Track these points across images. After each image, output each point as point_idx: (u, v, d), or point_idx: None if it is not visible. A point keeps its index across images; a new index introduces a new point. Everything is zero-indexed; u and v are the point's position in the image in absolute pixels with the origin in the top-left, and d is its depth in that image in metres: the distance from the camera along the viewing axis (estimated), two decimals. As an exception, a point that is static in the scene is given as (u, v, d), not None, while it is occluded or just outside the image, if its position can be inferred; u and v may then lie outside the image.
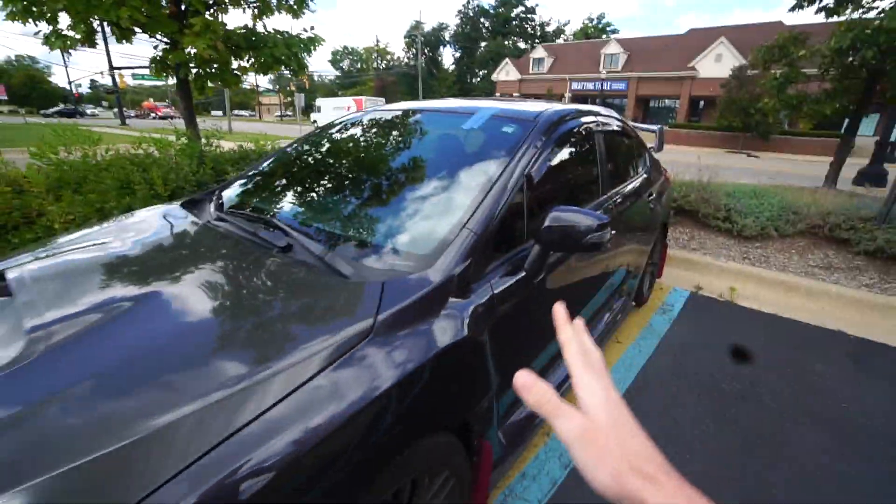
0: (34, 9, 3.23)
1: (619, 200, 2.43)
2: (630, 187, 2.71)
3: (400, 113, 2.22)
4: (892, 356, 2.88)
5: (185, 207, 1.94)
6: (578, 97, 36.68)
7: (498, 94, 42.79)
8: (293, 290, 1.17)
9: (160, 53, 4.35)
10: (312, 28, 4.32)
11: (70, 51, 3.71)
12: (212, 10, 4.12)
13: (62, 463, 0.70)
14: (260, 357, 0.92)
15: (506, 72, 41.76)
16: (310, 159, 2.13)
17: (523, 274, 1.47)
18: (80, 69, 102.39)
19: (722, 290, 3.75)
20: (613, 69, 33.76)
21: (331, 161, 2.06)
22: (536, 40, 58.80)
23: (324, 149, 2.19)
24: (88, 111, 55.09)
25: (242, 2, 4.34)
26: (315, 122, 40.49)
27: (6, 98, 50.24)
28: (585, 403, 0.38)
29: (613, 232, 2.05)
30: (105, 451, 0.72)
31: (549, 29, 62.94)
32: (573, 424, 0.37)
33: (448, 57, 67.85)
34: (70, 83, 46.89)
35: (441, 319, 1.14)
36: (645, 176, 3.08)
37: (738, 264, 4.09)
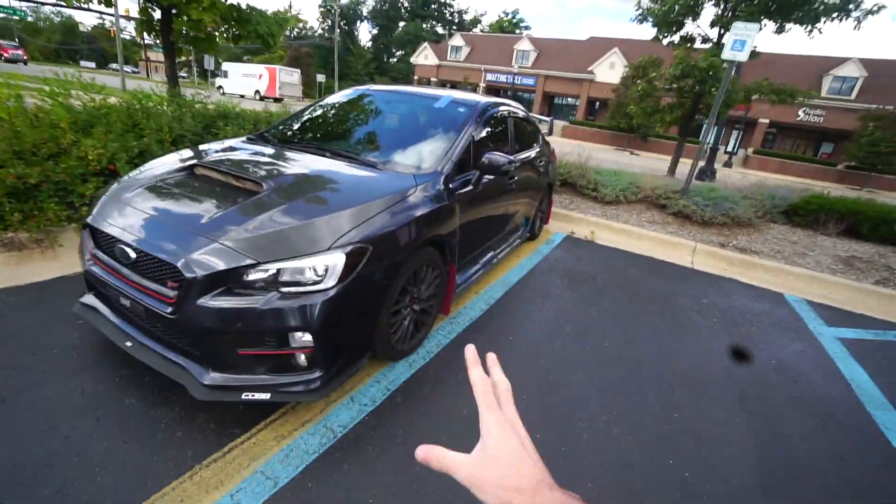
0: None
1: (519, 161, 3.90)
2: (527, 154, 4.21)
3: (395, 92, 3.45)
4: (670, 269, 4.82)
5: (250, 140, 2.97)
6: (492, 88, 39.08)
7: (416, 77, 43.63)
8: (367, 172, 2.40)
9: (140, 16, 4.87)
10: (290, 7, 5.13)
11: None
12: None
13: (303, 218, 1.90)
14: (371, 194, 2.16)
15: (425, 56, 42.71)
16: (343, 115, 3.28)
17: (471, 186, 2.83)
18: None
19: (586, 234, 5.54)
20: (524, 65, 36.60)
21: (361, 116, 3.23)
22: (454, 27, 60.32)
23: (349, 109, 3.33)
24: None
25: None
26: (220, 87, 37.51)
27: None
28: (483, 439, 0.44)
29: (515, 178, 3.50)
30: (319, 218, 1.92)
31: (467, 17, 64.91)
32: (461, 474, 0.43)
33: (365, 33, 66.50)
34: None
35: (440, 191, 2.45)
36: (538, 149, 4.62)
37: (599, 218, 5.94)
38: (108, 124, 3.99)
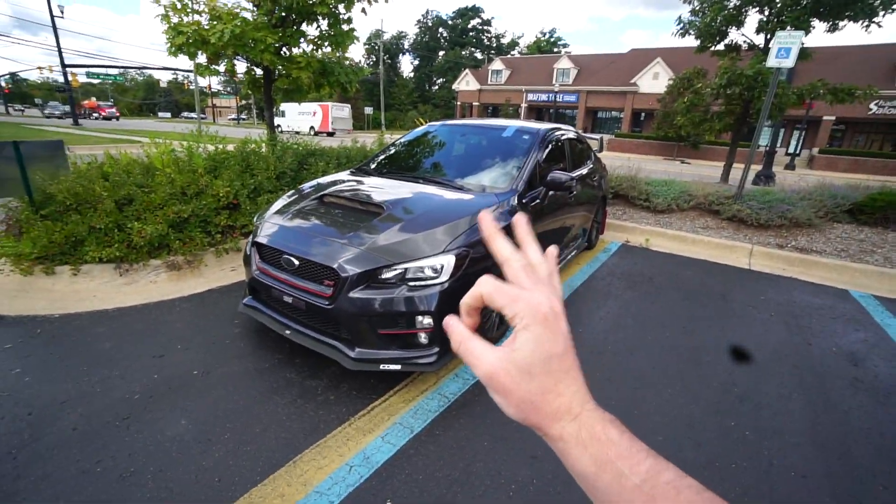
0: (203, 52, 4.73)
1: (577, 178, 4.36)
2: (583, 171, 4.66)
3: (466, 126, 4.07)
4: (726, 270, 5.01)
5: (355, 173, 3.66)
6: (534, 107, 39.63)
7: (458, 103, 45.18)
8: (458, 193, 2.97)
9: (241, 75, 5.91)
10: (356, 60, 5.99)
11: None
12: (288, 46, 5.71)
13: (418, 230, 2.48)
14: (467, 210, 2.72)
15: (466, 81, 44.20)
16: (425, 148, 3.94)
17: (539, 200, 3.33)
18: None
19: (641, 242, 5.83)
20: (565, 82, 36.98)
21: (441, 147, 3.88)
22: (492, 52, 62.11)
23: (429, 143, 3.99)
24: (13, 109, 51.64)
25: (303, 40, 5.96)
26: (278, 126, 40.84)
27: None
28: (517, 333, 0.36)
29: (574, 193, 3.96)
30: (427, 231, 2.49)
31: (505, 41, 66.59)
32: (481, 371, 0.37)
33: (406, 65, 69.62)
34: (7, 80, 44.40)
35: (516, 206, 2.98)
36: (591, 166, 5.06)
37: (652, 227, 6.19)
38: (229, 167, 4.90)
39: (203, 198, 4.41)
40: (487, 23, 64.63)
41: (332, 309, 2.36)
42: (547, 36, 66.83)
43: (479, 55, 62.76)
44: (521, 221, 0.44)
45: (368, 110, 46.36)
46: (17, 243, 3.88)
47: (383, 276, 2.34)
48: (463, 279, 2.43)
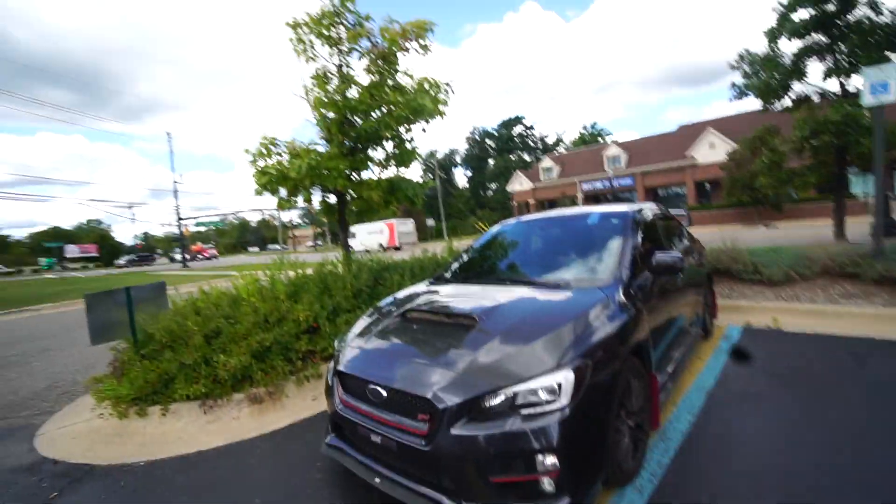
0: (284, 187, 5.26)
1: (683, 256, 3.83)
2: (681, 248, 4.12)
3: (544, 219, 3.84)
4: (849, 347, 3.91)
5: (434, 283, 3.44)
6: (590, 196, 39.85)
7: (514, 203, 46.76)
8: (556, 293, 2.59)
9: (317, 204, 6.38)
10: (422, 175, 6.31)
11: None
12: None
13: (522, 343, 2.07)
14: (573, 312, 2.30)
15: (519, 182, 46.17)
16: (505, 247, 3.70)
17: (648, 288, 2.84)
18: (132, 222, 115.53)
19: (767, 322, 4.88)
20: (618, 167, 37.28)
21: (522, 245, 3.63)
22: (538, 151, 65.61)
23: (507, 242, 3.76)
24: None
25: (372, 164, 6.41)
26: (351, 247, 44.33)
27: (97, 255, 60.35)
28: None
29: (681, 275, 3.42)
30: (537, 340, 2.08)
31: (549, 140, 70.47)
32: None
33: (460, 176, 74.78)
34: (142, 238, 54.01)
35: (626, 299, 2.51)
36: (687, 243, 4.51)
37: (775, 302, 5.24)
38: (308, 290, 4.97)
39: (284, 324, 4.39)
40: (530, 128, 69.44)
41: (428, 450, 1.93)
42: (589, 129, 69.99)
43: (526, 157, 66.38)
44: None
45: (430, 222, 49.34)
46: (118, 385, 3.98)
47: (488, 405, 1.91)
48: (587, 399, 1.93)
